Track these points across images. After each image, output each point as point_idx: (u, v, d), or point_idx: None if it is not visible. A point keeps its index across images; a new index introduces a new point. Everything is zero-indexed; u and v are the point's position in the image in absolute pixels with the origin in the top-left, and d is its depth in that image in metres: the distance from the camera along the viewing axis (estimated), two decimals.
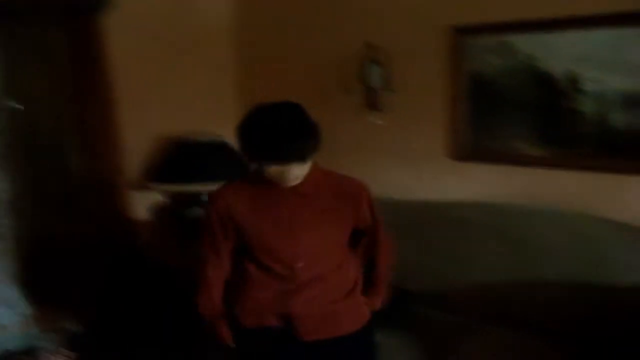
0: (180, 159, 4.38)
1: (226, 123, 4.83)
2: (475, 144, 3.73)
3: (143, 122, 4.42)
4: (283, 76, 4.67)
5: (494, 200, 3.54)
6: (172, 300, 3.82)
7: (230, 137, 4.59)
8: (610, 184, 3.29)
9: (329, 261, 2.49)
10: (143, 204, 4.58)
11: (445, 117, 3.83)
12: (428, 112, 3.91)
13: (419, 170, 3.97)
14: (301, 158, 2.24)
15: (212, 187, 4.15)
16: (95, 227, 4.24)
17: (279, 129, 2.20)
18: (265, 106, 2.29)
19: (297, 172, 2.29)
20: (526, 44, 3.42)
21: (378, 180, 4.06)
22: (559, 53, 3.31)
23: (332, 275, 2.49)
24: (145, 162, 4.58)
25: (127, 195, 4.40)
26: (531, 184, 3.55)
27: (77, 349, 3.35)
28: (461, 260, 3.23)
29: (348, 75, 4.09)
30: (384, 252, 2.67)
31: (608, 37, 3.14)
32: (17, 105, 3.88)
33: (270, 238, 2.43)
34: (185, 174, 4.31)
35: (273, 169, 2.26)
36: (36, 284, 4.00)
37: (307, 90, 4.50)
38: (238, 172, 4.31)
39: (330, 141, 4.35)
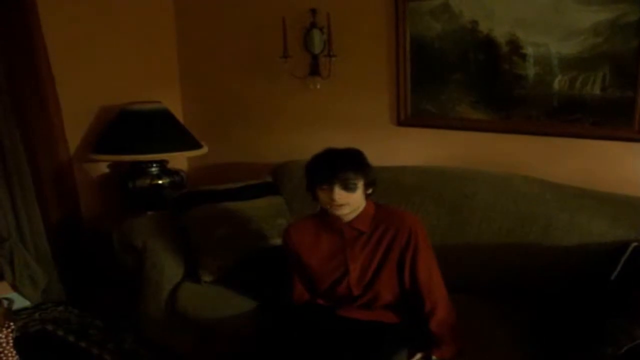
0: (123, 128, 4.31)
1: (167, 91, 4.83)
2: (417, 109, 3.73)
3: (83, 92, 4.35)
4: (224, 43, 4.62)
5: (435, 164, 3.57)
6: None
7: (171, 104, 4.58)
8: (549, 146, 3.33)
9: (382, 290, 2.70)
10: (87, 175, 4.52)
11: (388, 82, 3.82)
12: (371, 78, 3.90)
13: (362, 136, 3.94)
14: (344, 184, 2.53)
15: (154, 156, 4.19)
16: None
17: (331, 156, 2.61)
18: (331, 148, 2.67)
19: (344, 200, 2.55)
20: (468, 7, 3.41)
21: (322, 147, 4.08)
22: (500, 16, 3.31)
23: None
24: (88, 132, 4.50)
25: (70, 166, 4.32)
26: (472, 148, 3.58)
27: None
28: None
29: (290, 41, 4.03)
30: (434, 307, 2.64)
31: (548, 0, 3.16)
32: None
33: (326, 273, 2.74)
34: (129, 144, 4.24)
35: (322, 194, 2.58)
36: None
37: (248, 57, 4.48)
38: (180, 141, 4.34)
39: (274, 108, 4.40)
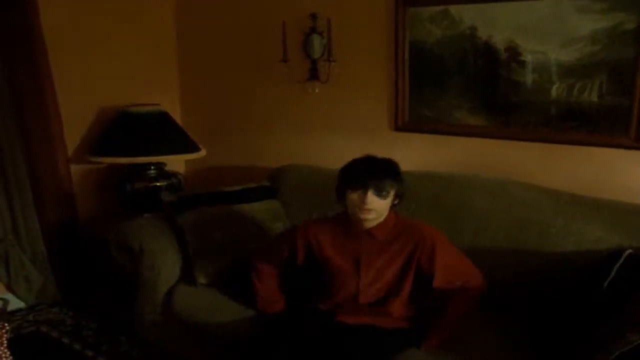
0: (122, 131, 4.31)
1: (166, 94, 4.84)
2: (415, 114, 3.74)
3: (82, 94, 4.36)
4: (224, 46, 4.62)
5: (432, 170, 3.56)
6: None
7: (170, 107, 4.58)
8: (546, 153, 3.34)
9: (390, 299, 2.74)
10: (84, 177, 4.51)
11: (386, 87, 3.82)
12: (369, 83, 3.90)
13: (360, 140, 3.96)
14: (378, 189, 2.58)
15: (152, 159, 4.19)
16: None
17: (371, 162, 2.66)
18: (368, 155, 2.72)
19: (374, 205, 2.59)
20: (468, 14, 3.42)
21: (321, 152, 4.10)
22: (499, 23, 3.32)
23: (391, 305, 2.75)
24: (86, 134, 4.50)
25: (67, 168, 4.31)
26: (469, 154, 3.59)
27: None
28: None
29: (290, 45, 4.04)
30: (459, 301, 2.73)
31: (547, 8, 3.17)
32: None
33: (340, 271, 2.76)
34: (127, 146, 4.23)
35: (353, 196, 2.61)
36: None
37: (248, 61, 4.48)
38: (178, 143, 4.34)
39: (272, 112, 4.40)
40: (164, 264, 3.45)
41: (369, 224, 2.69)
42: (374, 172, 2.61)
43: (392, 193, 2.63)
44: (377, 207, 2.60)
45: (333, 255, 2.78)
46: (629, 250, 2.56)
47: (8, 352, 2.50)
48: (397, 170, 2.68)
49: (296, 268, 2.91)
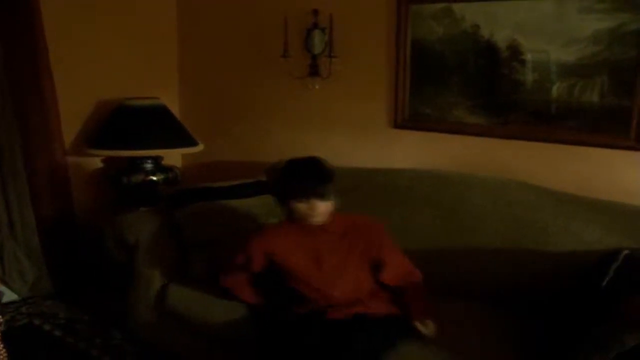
0: (120, 123, 4.30)
1: (166, 87, 4.82)
2: (415, 112, 3.72)
3: (81, 86, 4.34)
4: (224, 41, 4.60)
5: (431, 168, 3.55)
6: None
7: (168, 101, 4.56)
8: (546, 153, 3.33)
9: (359, 287, 2.83)
10: (81, 169, 4.50)
11: (386, 84, 3.81)
12: (370, 79, 3.89)
13: (359, 137, 3.96)
14: (322, 195, 2.69)
15: (150, 152, 4.18)
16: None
17: (304, 171, 2.76)
18: (294, 159, 2.84)
19: (321, 209, 2.72)
20: (470, 12, 3.41)
21: (319, 148, 4.08)
22: (501, 22, 3.31)
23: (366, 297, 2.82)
24: (84, 127, 4.48)
25: (64, 161, 4.30)
26: (469, 152, 3.57)
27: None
28: (396, 227, 3.23)
29: (291, 41, 4.03)
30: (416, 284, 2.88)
31: (550, 7, 3.16)
32: None
33: (303, 269, 2.83)
34: (125, 139, 4.23)
35: (300, 206, 2.71)
36: None
37: (248, 55, 4.47)
38: (175, 137, 4.33)
39: (272, 107, 4.39)
40: (159, 258, 3.45)
41: (320, 221, 2.78)
42: (315, 180, 2.72)
43: (332, 191, 2.73)
44: (324, 210, 2.73)
45: (294, 257, 2.84)
46: (626, 251, 2.55)
47: (1, 345, 2.48)
48: (329, 170, 2.79)
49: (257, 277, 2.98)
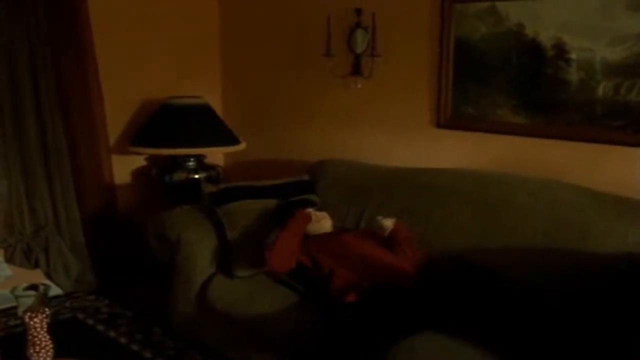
0: (163, 122, 4.34)
1: (209, 86, 4.86)
2: (457, 111, 3.69)
3: (126, 86, 4.40)
4: (267, 40, 4.62)
5: (473, 167, 3.53)
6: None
7: (211, 99, 4.60)
8: (590, 153, 3.27)
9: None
10: (125, 167, 4.56)
11: (429, 83, 3.78)
12: (412, 79, 3.87)
13: (401, 137, 3.94)
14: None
15: (192, 150, 4.21)
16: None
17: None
18: None
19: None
20: (515, 10, 3.37)
21: (361, 147, 4.07)
22: (547, 20, 3.27)
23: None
24: (128, 125, 4.53)
25: (109, 159, 4.36)
26: (512, 152, 3.53)
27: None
28: (437, 226, 3.23)
29: (334, 40, 4.03)
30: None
31: (596, 4, 3.11)
32: None
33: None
34: (168, 137, 4.26)
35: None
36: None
37: (290, 54, 4.48)
38: (218, 136, 4.36)
39: (314, 106, 4.39)
40: (201, 255, 3.47)
41: None
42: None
43: None
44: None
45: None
46: None
47: (48, 336, 2.53)
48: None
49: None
